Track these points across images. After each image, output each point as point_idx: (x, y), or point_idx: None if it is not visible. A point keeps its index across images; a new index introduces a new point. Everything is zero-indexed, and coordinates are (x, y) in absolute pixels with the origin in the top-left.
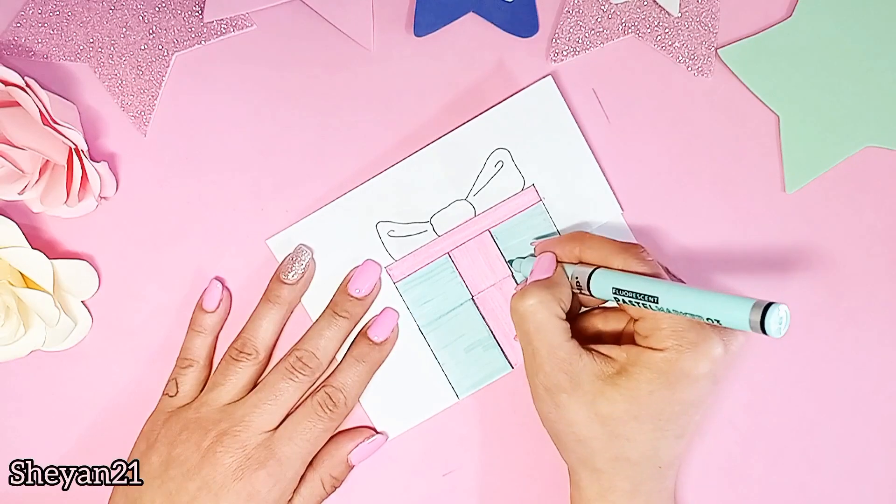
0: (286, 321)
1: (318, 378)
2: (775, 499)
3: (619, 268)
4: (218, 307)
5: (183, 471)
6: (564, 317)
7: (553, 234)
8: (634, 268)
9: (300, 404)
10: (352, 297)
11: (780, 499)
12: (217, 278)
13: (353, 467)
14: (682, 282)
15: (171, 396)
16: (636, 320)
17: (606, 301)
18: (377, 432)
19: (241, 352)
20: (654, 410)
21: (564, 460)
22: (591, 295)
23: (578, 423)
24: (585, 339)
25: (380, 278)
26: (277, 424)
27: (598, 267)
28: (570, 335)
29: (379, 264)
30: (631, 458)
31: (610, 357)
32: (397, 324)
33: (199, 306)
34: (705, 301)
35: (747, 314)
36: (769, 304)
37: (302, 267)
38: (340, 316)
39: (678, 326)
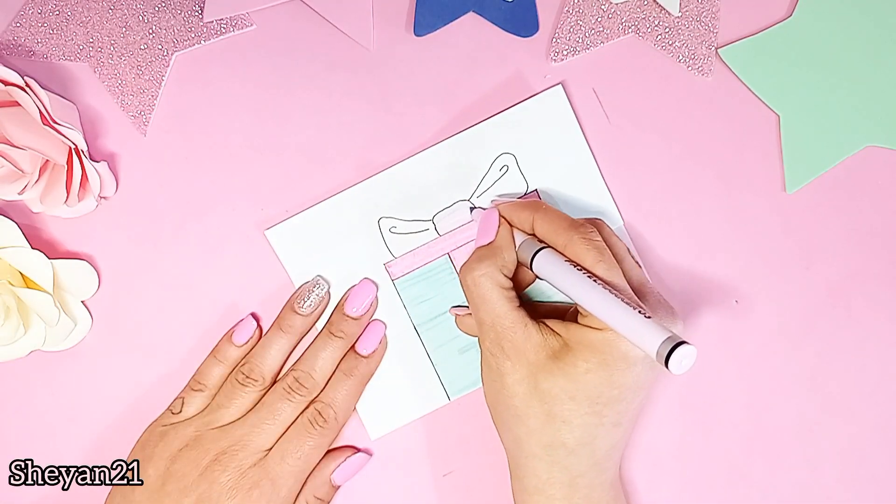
0: (295, 348)
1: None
2: (775, 499)
3: (563, 246)
4: (246, 343)
5: (180, 486)
6: (509, 285)
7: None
8: (578, 248)
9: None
10: (348, 316)
11: (780, 499)
12: (253, 315)
13: (338, 488)
14: (640, 266)
15: (175, 413)
16: None
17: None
18: (359, 450)
19: (248, 377)
20: (591, 392)
21: (504, 446)
22: (536, 276)
23: (519, 395)
24: (541, 311)
25: (376, 297)
26: (274, 443)
27: (543, 248)
28: (517, 304)
29: (375, 284)
30: (567, 444)
31: (556, 332)
32: (385, 335)
33: (228, 337)
34: (620, 321)
35: (656, 346)
36: (678, 343)
37: (318, 299)
38: (336, 336)
39: None
